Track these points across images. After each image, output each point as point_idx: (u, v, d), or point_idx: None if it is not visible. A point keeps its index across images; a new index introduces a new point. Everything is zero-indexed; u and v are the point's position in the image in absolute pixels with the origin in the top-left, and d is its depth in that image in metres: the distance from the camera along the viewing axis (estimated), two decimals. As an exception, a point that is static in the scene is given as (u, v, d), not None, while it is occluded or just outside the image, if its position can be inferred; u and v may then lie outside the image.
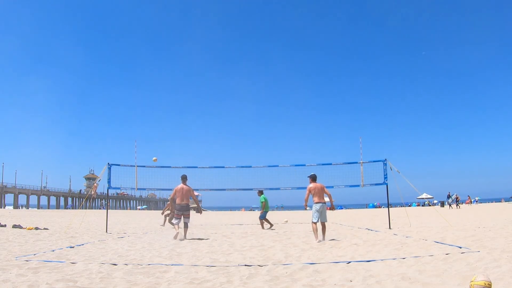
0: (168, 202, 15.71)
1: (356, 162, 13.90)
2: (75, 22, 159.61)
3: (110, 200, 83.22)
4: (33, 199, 74.12)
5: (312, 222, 9.03)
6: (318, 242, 8.67)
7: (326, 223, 9.27)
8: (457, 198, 36.68)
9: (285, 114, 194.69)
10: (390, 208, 14.22)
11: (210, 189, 15.06)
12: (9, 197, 69.75)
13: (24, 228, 13.23)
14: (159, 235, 11.59)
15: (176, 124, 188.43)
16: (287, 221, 19.24)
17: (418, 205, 56.98)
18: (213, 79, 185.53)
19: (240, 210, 59.93)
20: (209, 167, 15.03)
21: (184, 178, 10.23)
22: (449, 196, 37.36)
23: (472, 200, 51.54)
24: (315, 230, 8.97)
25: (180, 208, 10.00)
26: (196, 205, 12.11)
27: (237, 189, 14.79)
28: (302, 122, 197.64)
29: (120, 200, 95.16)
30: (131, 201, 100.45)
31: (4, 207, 61.35)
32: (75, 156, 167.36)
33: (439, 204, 46.58)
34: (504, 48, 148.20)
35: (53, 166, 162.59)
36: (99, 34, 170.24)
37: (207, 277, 4.92)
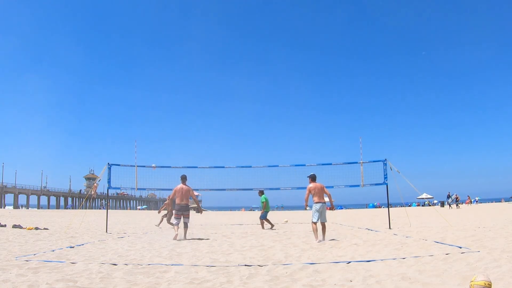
0: (166, 202, 15.72)
1: (356, 162, 13.91)
2: (75, 22, 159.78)
3: (110, 200, 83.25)
4: (33, 199, 74.26)
5: (312, 222, 9.04)
6: (318, 242, 8.67)
7: (326, 223, 9.27)
8: (457, 198, 36.68)
9: (285, 114, 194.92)
10: (390, 208, 14.22)
11: (210, 189, 15.05)
12: (9, 197, 69.87)
13: (24, 228, 13.23)
14: (159, 235, 11.60)
15: (176, 124, 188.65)
16: (287, 221, 19.24)
17: (418, 205, 56.98)
18: (213, 79, 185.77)
19: (240, 210, 59.93)
20: (209, 167, 15.04)
21: (183, 178, 10.23)
22: (448, 196, 37.36)
23: (472, 200, 51.55)
24: (315, 230, 8.97)
25: (180, 208, 10.00)
26: (196, 205, 12.10)
27: (237, 189, 14.78)
28: (302, 122, 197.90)
29: (120, 200, 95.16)
30: (131, 201, 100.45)
31: (4, 207, 61.36)
32: (75, 156, 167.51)
33: (439, 204, 46.58)
34: (504, 48, 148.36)
35: (53, 166, 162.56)
36: (99, 33, 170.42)
37: (207, 277, 4.92)
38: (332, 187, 13.29)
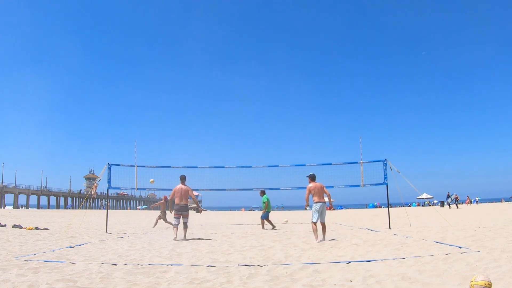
0: (161, 202, 15.84)
1: (356, 162, 13.91)
2: (75, 22, 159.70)
3: (110, 200, 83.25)
4: (33, 199, 74.22)
5: (312, 222, 9.04)
6: (318, 242, 8.67)
7: (325, 223, 9.28)
8: (456, 198, 36.67)
9: (285, 114, 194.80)
10: (390, 208, 14.22)
11: (210, 189, 15.06)
12: (9, 197, 69.85)
13: (24, 228, 13.23)
14: (159, 235, 11.60)
15: (176, 124, 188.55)
16: (287, 221, 19.24)
17: (418, 205, 56.98)
18: (213, 79, 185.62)
19: (240, 210, 59.95)
20: (209, 167, 15.06)
21: (182, 178, 10.24)
22: (448, 196, 37.35)
23: (473, 200, 51.56)
24: (315, 230, 8.97)
25: (179, 208, 10.00)
26: (195, 205, 12.09)
27: (237, 189, 14.79)
28: (302, 122, 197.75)
29: (120, 200, 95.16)
30: (131, 201, 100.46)
31: (4, 207, 61.35)
32: (75, 156, 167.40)
33: (439, 204, 46.57)
34: (504, 48, 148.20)
35: (53, 166, 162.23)
36: (99, 33, 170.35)
37: (207, 277, 4.92)
38: (332, 187, 13.28)
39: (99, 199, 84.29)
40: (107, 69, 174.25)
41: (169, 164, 14.58)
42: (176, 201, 10.04)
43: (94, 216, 27.28)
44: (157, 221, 15.65)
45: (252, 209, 62.28)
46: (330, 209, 9.94)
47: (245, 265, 5.73)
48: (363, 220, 19.51)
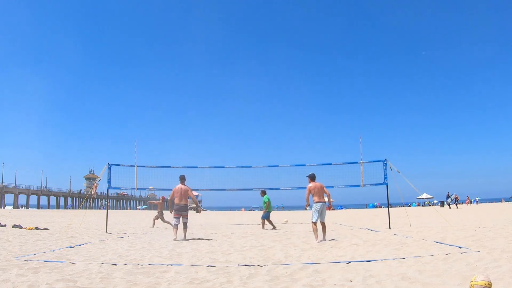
0: (159, 201, 15.92)
1: (356, 162, 13.91)
2: (75, 22, 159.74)
3: (110, 200, 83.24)
4: (33, 199, 74.20)
5: (312, 222, 9.04)
6: (318, 242, 8.67)
7: (325, 222, 9.28)
8: (456, 198, 36.67)
9: (285, 114, 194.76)
10: (390, 208, 14.22)
11: (210, 189, 15.06)
12: (9, 197, 69.83)
13: (24, 228, 13.23)
14: (159, 235, 11.60)
15: (176, 124, 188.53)
16: (287, 221, 19.25)
17: (418, 205, 56.99)
18: (213, 78, 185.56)
19: (240, 210, 59.95)
20: (209, 167, 15.05)
21: (182, 178, 10.24)
22: (448, 196, 37.35)
23: (473, 200, 51.55)
24: (315, 230, 8.97)
25: (179, 208, 10.00)
26: (195, 205, 12.10)
27: (237, 189, 14.79)
28: (302, 122, 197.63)
29: (120, 200, 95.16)
30: (131, 201, 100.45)
31: (4, 207, 61.34)
32: (75, 156, 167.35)
33: (439, 204, 46.58)
34: (504, 48, 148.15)
35: (53, 166, 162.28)
36: (99, 33, 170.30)
37: (207, 277, 4.92)
38: (332, 187, 13.29)
39: (99, 199, 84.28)
40: (107, 69, 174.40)
41: (169, 164, 14.61)
42: (176, 201, 10.04)
43: (94, 216, 27.29)
44: (154, 221, 15.72)
45: (252, 209, 62.27)
46: (329, 209, 9.93)
47: (245, 265, 5.73)
48: (363, 220, 19.52)
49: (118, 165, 13.50)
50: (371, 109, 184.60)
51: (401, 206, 36.03)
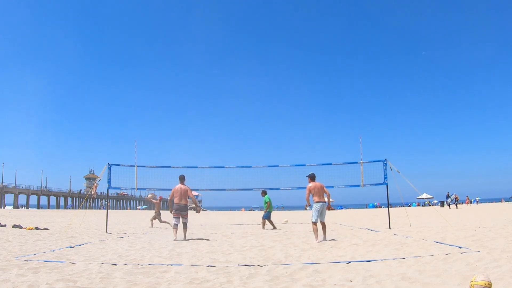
0: (156, 201, 15.95)
1: (356, 162, 13.91)
2: (75, 22, 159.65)
3: (110, 200, 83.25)
4: (33, 199, 74.21)
5: (312, 222, 9.04)
6: (319, 242, 8.67)
7: (325, 222, 9.29)
8: (456, 198, 36.67)
9: (285, 114, 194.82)
10: (390, 208, 14.22)
11: (210, 189, 15.05)
12: (9, 197, 69.85)
13: (24, 228, 13.23)
14: (159, 235, 11.60)
15: (176, 124, 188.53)
16: (287, 221, 19.25)
17: (418, 205, 57.00)
18: (213, 78, 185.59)
19: (240, 210, 59.96)
20: (209, 167, 15.05)
21: (181, 178, 10.24)
22: (448, 196, 37.35)
23: (473, 200, 51.55)
24: (315, 230, 8.97)
25: (179, 208, 9.99)
26: (194, 205, 12.11)
27: (237, 189, 14.78)
28: (302, 122, 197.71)
29: (120, 200, 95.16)
30: (131, 201, 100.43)
31: (4, 207, 61.34)
32: (75, 156, 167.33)
33: (439, 204, 46.58)
34: (504, 48, 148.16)
35: (53, 166, 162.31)
36: (99, 33, 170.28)
37: (207, 277, 4.92)
38: (332, 187, 13.29)
39: (99, 199, 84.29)
40: (107, 69, 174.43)
41: (169, 164, 14.60)
42: (176, 200, 10.04)
43: (94, 216, 27.29)
44: (152, 221, 15.73)
45: (252, 209, 62.27)
46: (328, 209, 9.93)
47: (245, 265, 5.73)
48: (363, 220, 19.51)
49: (118, 165, 13.50)
50: (371, 109, 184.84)
51: (401, 206, 36.03)
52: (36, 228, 13.14)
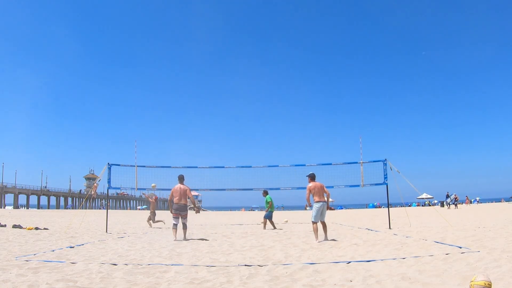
0: (152, 200, 15.96)
1: (356, 162, 13.91)
2: (75, 21, 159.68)
3: (110, 200, 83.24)
4: (33, 199, 74.22)
5: (312, 222, 9.04)
6: (319, 242, 8.67)
7: (325, 222, 9.29)
8: (456, 198, 36.67)
9: (285, 114, 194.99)
10: (390, 208, 14.22)
11: (210, 189, 15.06)
12: (9, 197, 69.85)
13: (24, 228, 13.23)
14: (159, 235, 11.59)
15: (176, 124, 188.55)
16: (287, 221, 19.25)
17: (418, 205, 57.00)
18: (213, 78, 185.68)
19: (240, 210, 59.95)
20: (209, 167, 15.05)
21: (181, 178, 10.23)
22: (447, 196, 37.36)
23: (473, 200, 51.55)
24: (316, 230, 8.97)
25: (178, 208, 9.99)
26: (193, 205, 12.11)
27: (237, 189, 14.79)
28: (302, 122, 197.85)
29: (120, 200, 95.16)
30: (131, 201, 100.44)
31: (4, 207, 61.35)
32: (75, 156, 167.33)
33: (439, 204, 46.59)
34: (504, 48, 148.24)
35: (53, 166, 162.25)
36: (99, 33, 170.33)
37: (207, 277, 4.92)
38: (332, 187, 13.28)
39: (99, 199, 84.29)
40: (107, 69, 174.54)
41: (169, 164, 14.60)
42: (175, 200, 10.04)
43: (94, 216, 27.29)
44: (149, 222, 15.74)
45: (252, 209, 62.28)
46: (328, 209, 9.94)
47: (245, 265, 5.73)
48: (363, 220, 19.52)
49: (118, 165, 13.50)
50: (371, 109, 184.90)
51: (401, 206, 36.04)
52: (36, 228, 13.14)
